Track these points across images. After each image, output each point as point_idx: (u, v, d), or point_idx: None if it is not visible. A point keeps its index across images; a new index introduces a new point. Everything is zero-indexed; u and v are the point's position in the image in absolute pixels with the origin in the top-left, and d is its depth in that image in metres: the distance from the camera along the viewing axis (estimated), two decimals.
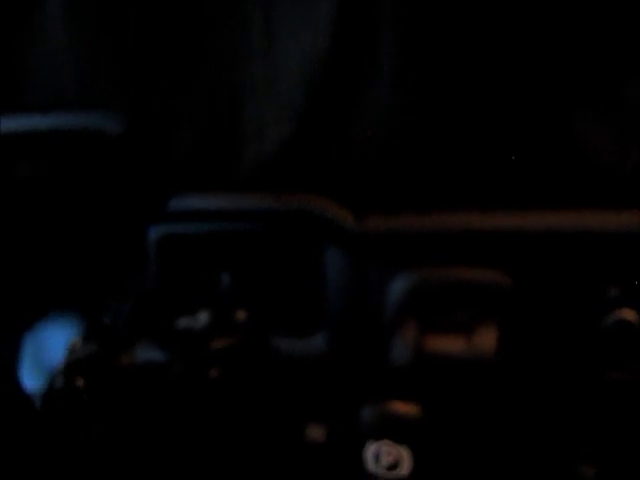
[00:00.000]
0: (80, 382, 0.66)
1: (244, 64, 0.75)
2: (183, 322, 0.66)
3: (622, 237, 0.61)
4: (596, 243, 0.62)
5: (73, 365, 0.65)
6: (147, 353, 0.65)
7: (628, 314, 0.60)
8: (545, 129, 0.65)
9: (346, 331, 0.69)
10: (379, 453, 0.59)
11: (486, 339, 0.63)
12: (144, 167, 0.73)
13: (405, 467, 0.59)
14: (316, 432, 0.69)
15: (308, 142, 0.74)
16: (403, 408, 0.59)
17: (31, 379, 0.76)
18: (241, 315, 0.68)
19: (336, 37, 0.71)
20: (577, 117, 0.65)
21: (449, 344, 0.64)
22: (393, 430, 0.59)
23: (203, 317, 0.67)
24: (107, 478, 0.65)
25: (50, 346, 0.76)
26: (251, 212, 0.71)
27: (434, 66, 0.67)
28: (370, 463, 0.59)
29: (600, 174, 0.64)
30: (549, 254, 0.62)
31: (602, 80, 0.65)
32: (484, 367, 0.62)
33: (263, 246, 0.70)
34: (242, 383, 0.66)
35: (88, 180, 0.74)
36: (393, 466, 0.59)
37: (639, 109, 0.65)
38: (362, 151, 0.69)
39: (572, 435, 0.62)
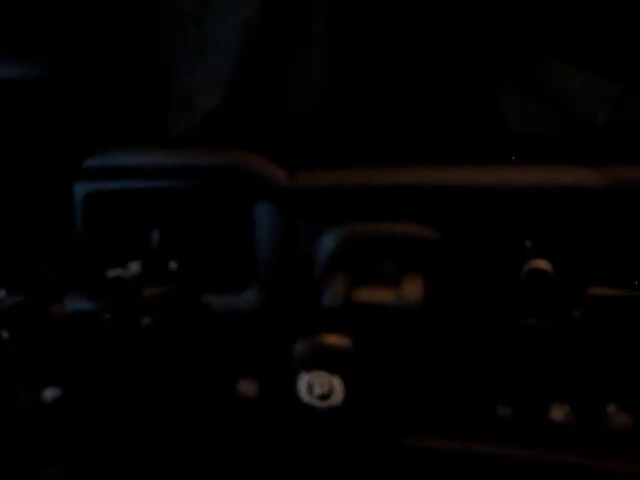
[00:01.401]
0: (4, 333, 0.64)
1: (178, 28, 0.76)
2: (114, 272, 0.66)
3: (537, 193, 0.66)
4: (513, 198, 0.66)
5: None
6: (77, 303, 0.64)
7: (542, 264, 0.65)
8: (469, 93, 0.69)
9: (277, 286, 0.70)
10: (311, 384, 0.61)
11: (412, 289, 0.66)
12: (64, 117, 0.73)
13: (337, 397, 0.61)
14: (247, 387, 0.70)
15: (239, 108, 0.75)
16: (334, 340, 0.61)
17: None
18: (172, 265, 0.69)
19: (268, 2, 0.73)
20: (498, 85, 0.70)
21: (377, 295, 0.66)
22: (325, 361, 0.61)
23: (134, 267, 0.67)
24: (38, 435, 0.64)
25: None
26: (181, 168, 0.71)
27: (363, 30, 0.70)
28: (303, 394, 0.61)
29: (518, 136, 0.69)
30: (471, 208, 0.66)
31: (522, 55, 0.70)
32: (410, 315, 0.65)
33: (193, 202, 0.71)
34: (174, 334, 0.67)
35: (6, 130, 0.73)
36: (326, 396, 0.61)
37: (555, 83, 0.70)
38: (294, 111, 0.72)
39: (490, 376, 0.66)
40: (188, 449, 0.70)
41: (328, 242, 0.69)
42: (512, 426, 0.66)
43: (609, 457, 0.63)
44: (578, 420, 0.64)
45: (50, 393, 0.64)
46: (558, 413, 0.64)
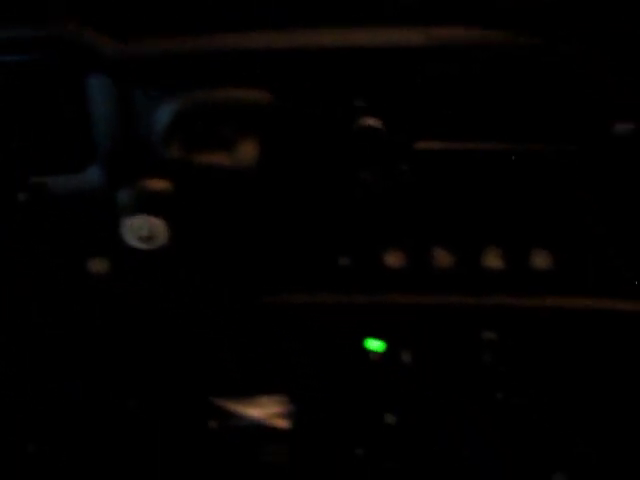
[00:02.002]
0: None
1: None
2: None
3: (366, 53, 0.68)
4: (343, 59, 0.68)
5: None
6: None
7: (373, 121, 0.69)
8: None
9: (118, 162, 0.69)
10: (134, 227, 0.63)
11: (246, 152, 0.68)
12: None
13: (161, 239, 0.64)
14: (98, 265, 0.71)
15: None
16: (156, 184, 0.64)
17: None
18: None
19: None
20: None
21: (214, 158, 0.68)
22: (147, 205, 0.63)
23: None
24: None
25: None
26: (3, 41, 0.66)
27: None
28: (128, 237, 0.63)
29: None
30: (303, 71, 0.68)
31: None
32: (245, 176, 0.68)
33: (19, 79, 0.67)
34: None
35: None
36: (149, 238, 0.64)
37: None
38: None
39: (329, 229, 0.71)
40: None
41: (165, 111, 0.68)
42: (352, 275, 0.72)
43: (437, 295, 0.71)
44: (411, 264, 0.71)
45: None
46: (393, 259, 0.71)
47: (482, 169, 0.69)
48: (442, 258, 0.70)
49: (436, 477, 0.77)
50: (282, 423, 0.76)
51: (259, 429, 0.77)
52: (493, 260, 0.70)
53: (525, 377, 0.73)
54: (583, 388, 0.74)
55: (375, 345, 0.73)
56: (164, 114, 0.68)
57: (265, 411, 0.76)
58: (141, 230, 0.63)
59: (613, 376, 0.73)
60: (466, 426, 0.75)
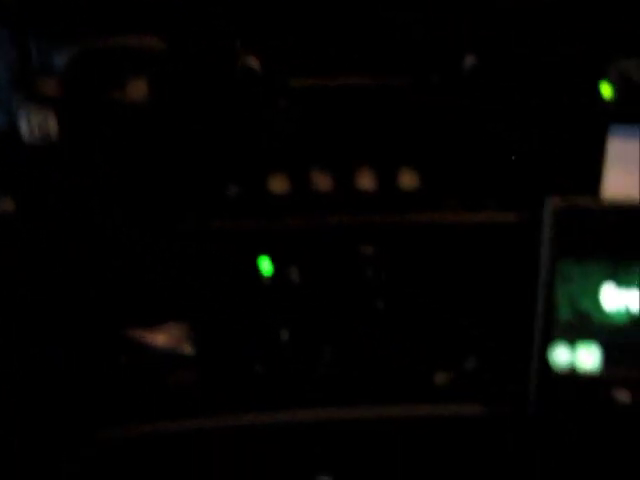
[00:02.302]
0: None
1: None
2: None
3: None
4: (224, 8, 0.77)
5: None
6: None
7: (251, 61, 0.77)
8: None
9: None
10: (29, 120, 0.70)
11: (137, 89, 0.75)
12: None
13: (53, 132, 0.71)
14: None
15: None
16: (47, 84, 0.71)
17: None
18: None
19: None
20: None
21: (109, 95, 0.75)
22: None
23: None
24: None
25: None
26: None
27: None
28: (24, 131, 0.70)
29: None
30: (189, 17, 0.76)
31: None
32: (136, 111, 0.75)
33: None
34: None
35: None
36: (42, 131, 0.71)
37: None
38: None
39: (216, 161, 0.79)
40: None
41: (60, 60, 0.75)
42: (240, 202, 0.80)
43: (318, 216, 0.80)
44: (293, 188, 0.79)
45: None
46: (277, 185, 0.79)
47: (352, 101, 0.78)
48: (321, 181, 0.79)
49: (328, 390, 0.85)
50: (187, 348, 0.83)
51: (166, 356, 0.83)
52: (366, 181, 0.80)
53: (402, 286, 0.82)
54: (455, 292, 0.83)
55: (266, 266, 0.81)
56: (59, 62, 0.74)
57: (170, 338, 0.82)
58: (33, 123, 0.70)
59: (481, 280, 0.83)
60: (352, 337, 0.83)
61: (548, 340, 0.81)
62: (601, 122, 0.80)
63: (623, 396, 0.82)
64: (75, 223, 0.78)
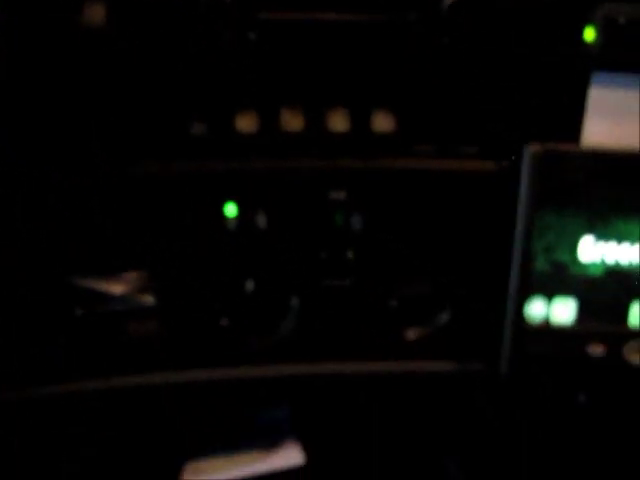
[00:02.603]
0: None
1: None
2: None
3: None
4: None
5: None
6: None
7: None
8: None
9: None
10: None
11: (95, 13, 0.70)
12: None
13: None
14: None
15: None
16: None
17: None
18: None
19: None
20: None
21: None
22: None
23: None
24: None
25: None
26: None
27: None
28: None
29: None
30: None
31: None
32: (93, 37, 0.70)
33: None
34: None
35: None
36: None
37: None
38: None
39: (181, 98, 0.74)
40: None
41: None
42: (205, 142, 0.75)
43: (288, 159, 0.75)
44: (262, 128, 0.75)
45: None
46: (245, 123, 0.75)
47: (326, 37, 0.74)
48: (291, 121, 0.75)
49: (294, 345, 0.81)
50: (147, 298, 0.78)
51: (124, 306, 0.78)
52: (339, 123, 0.76)
53: (374, 235, 0.79)
54: (429, 242, 0.80)
55: (231, 211, 0.76)
56: None
57: (129, 287, 0.78)
58: None
59: (455, 230, 0.80)
60: (321, 288, 0.80)
61: (524, 293, 0.78)
62: (584, 68, 0.77)
63: (598, 351, 0.80)
64: (23, 166, 0.72)
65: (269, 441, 0.94)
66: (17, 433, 0.80)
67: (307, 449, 0.90)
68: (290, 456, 0.91)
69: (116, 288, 0.78)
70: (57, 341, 0.79)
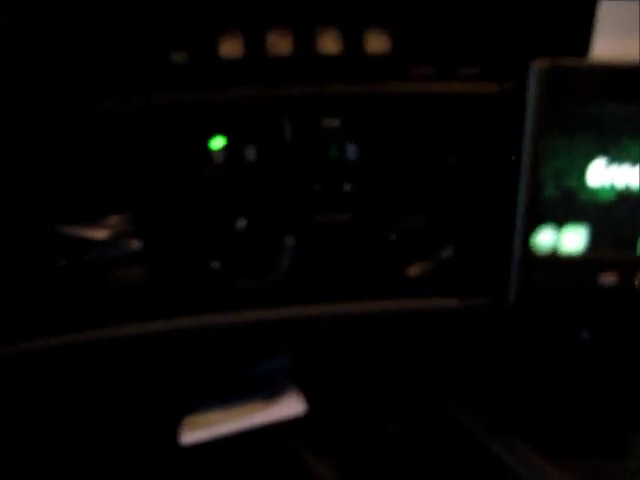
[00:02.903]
0: None
1: None
2: None
3: None
4: None
5: None
6: None
7: None
8: None
9: None
10: None
11: None
12: None
13: None
14: None
15: None
16: None
17: None
18: None
19: None
20: None
21: None
22: None
23: None
24: None
25: None
26: None
27: None
28: None
29: None
30: None
31: None
32: None
33: None
34: None
35: None
36: None
37: None
38: None
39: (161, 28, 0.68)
40: None
41: None
42: (188, 71, 0.70)
43: (275, 85, 0.70)
44: (248, 52, 0.69)
45: None
46: (229, 48, 0.69)
47: None
48: (278, 44, 0.69)
49: (292, 286, 0.77)
50: (132, 243, 0.73)
51: (108, 252, 0.73)
52: (330, 44, 0.70)
53: (371, 165, 0.74)
54: (430, 171, 0.75)
55: (218, 144, 0.71)
56: None
57: (112, 232, 0.73)
58: None
59: (459, 158, 0.75)
60: (317, 225, 0.75)
61: (532, 221, 0.74)
62: None
63: (609, 280, 0.76)
64: None
65: (269, 392, 0.90)
66: (7, 389, 0.76)
67: (308, 397, 0.87)
68: (291, 406, 0.88)
69: (99, 234, 0.73)
70: (42, 293, 0.74)
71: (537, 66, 0.69)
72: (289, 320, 0.78)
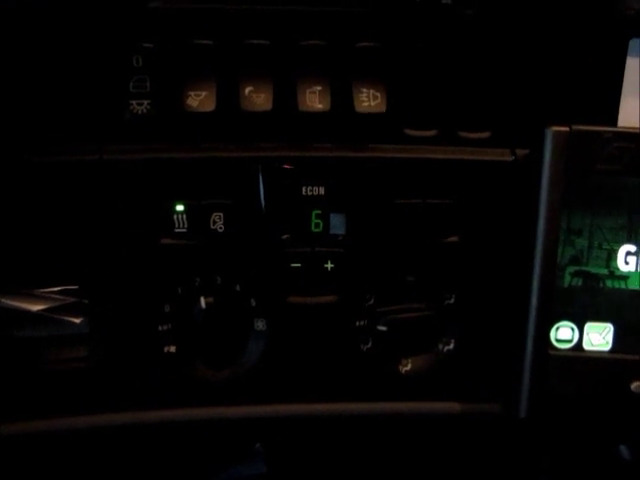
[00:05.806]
0: None
1: None
2: None
3: None
4: None
5: None
6: None
7: None
8: None
9: None
10: None
11: None
12: None
13: None
14: None
15: None
16: None
17: None
18: None
19: None
20: None
21: None
22: None
23: None
24: None
25: None
26: None
27: None
28: None
29: None
30: None
31: None
32: None
33: None
34: None
35: None
36: None
37: None
38: None
39: None
40: None
41: None
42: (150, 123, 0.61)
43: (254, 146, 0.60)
44: (218, 106, 0.60)
45: None
46: (197, 99, 0.60)
47: None
48: (256, 98, 0.60)
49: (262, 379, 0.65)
50: (74, 319, 0.63)
51: (46, 330, 0.62)
52: (314, 99, 0.60)
53: (358, 241, 0.63)
54: (426, 247, 0.64)
55: (180, 210, 0.61)
56: None
57: (51, 305, 0.62)
58: None
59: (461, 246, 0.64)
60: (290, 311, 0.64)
61: (547, 314, 0.63)
62: (619, 36, 0.62)
63: None
64: None
65: None
66: None
67: None
68: None
69: (35, 306, 0.62)
70: None
71: (553, 131, 0.59)
72: (260, 419, 0.67)
